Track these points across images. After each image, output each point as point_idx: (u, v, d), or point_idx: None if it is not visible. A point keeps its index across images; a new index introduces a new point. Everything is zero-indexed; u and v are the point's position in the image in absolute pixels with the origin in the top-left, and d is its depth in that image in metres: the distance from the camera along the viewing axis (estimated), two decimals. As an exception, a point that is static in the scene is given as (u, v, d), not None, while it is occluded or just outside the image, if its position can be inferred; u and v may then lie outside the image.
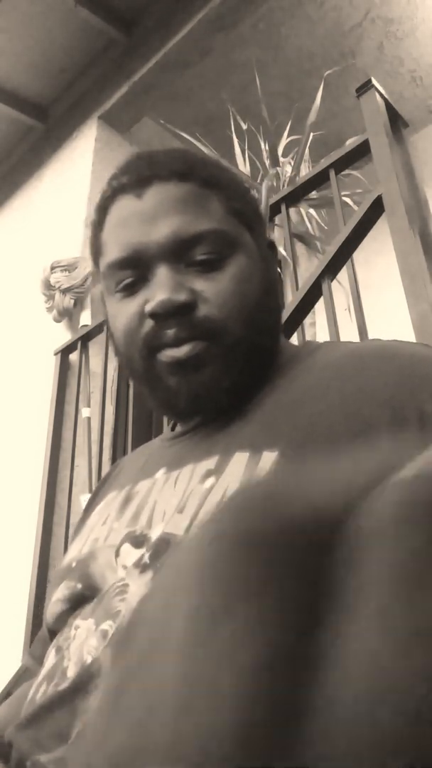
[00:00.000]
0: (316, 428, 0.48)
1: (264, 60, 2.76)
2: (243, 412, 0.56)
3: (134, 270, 0.56)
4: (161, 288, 0.54)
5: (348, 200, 1.97)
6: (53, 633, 0.55)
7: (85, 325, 2.14)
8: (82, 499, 1.82)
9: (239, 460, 0.49)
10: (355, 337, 1.15)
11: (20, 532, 1.90)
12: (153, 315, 0.54)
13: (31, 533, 1.83)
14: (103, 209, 0.60)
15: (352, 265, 1.29)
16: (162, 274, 0.54)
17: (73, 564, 0.56)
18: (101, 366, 1.98)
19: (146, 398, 0.62)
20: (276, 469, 0.46)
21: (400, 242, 1.15)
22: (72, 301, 2.19)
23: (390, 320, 1.72)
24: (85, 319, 2.18)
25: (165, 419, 1.61)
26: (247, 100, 2.62)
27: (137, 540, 0.51)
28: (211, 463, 0.52)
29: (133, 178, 0.57)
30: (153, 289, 0.55)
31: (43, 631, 0.66)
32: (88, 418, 1.95)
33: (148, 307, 0.54)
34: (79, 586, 0.53)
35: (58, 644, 0.50)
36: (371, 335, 1.17)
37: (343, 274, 1.34)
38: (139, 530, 0.52)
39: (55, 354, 2.13)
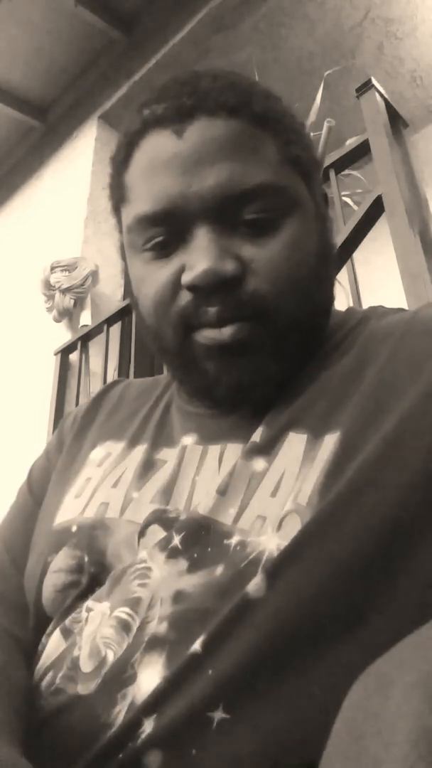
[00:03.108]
0: (375, 405, 0.43)
1: (264, 60, 2.75)
2: (289, 386, 0.49)
3: (169, 227, 0.46)
4: (203, 255, 0.44)
5: (348, 200, 1.96)
6: (39, 604, 0.49)
7: (85, 325, 2.13)
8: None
9: (296, 442, 0.44)
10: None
11: (20, 532, 1.89)
12: (192, 288, 0.45)
13: (31, 533, 1.82)
14: (129, 144, 0.50)
15: (352, 265, 1.29)
16: (204, 236, 0.45)
17: (74, 528, 0.49)
18: (101, 366, 1.98)
19: (179, 381, 0.55)
20: (339, 461, 0.41)
21: (400, 242, 1.14)
22: (72, 301, 2.19)
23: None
24: (85, 319, 2.18)
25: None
26: (247, 100, 2.61)
27: (169, 523, 0.45)
28: (256, 437, 0.46)
29: (171, 109, 0.47)
30: (192, 255, 0.45)
31: (10, 577, 0.55)
32: (88, 418, 1.94)
33: (187, 278, 0.45)
34: (86, 558, 0.46)
35: (65, 626, 0.45)
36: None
37: (343, 274, 1.34)
38: (174, 513, 0.45)
39: (55, 354, 2.13)
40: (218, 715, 0.35)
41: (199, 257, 0.45)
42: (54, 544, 0.49)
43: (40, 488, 0.61)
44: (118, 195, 0.52)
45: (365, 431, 0.42)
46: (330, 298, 0.54)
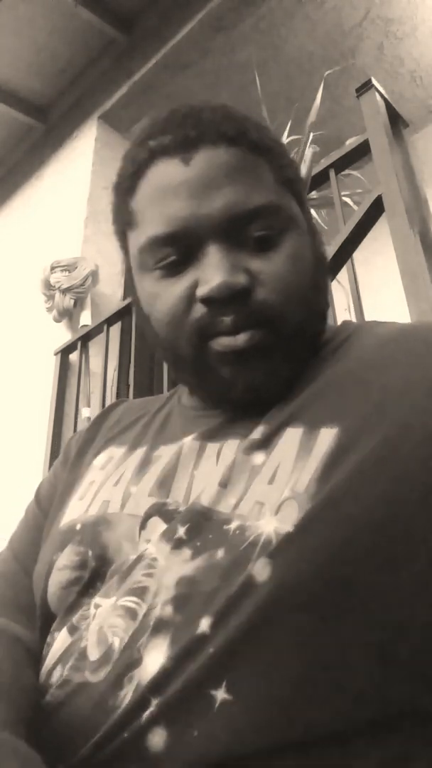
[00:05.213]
0: (374, 408, 0.45)
1: (264, 60, 2.75)
2: (289, 387, 0.52)
3: (181, 246, 0.51)
4: (217, 269, 0.48)
5: (348, 200, 1.96)
6: (45, 602, 0.51)
7: (85, 325, 2.14)
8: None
9: (292, 435, 0.47)
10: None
11: (20, 532, 1.89)
12: (208, 300, 0.49)
13: (31, 533, 1.82)
14: (136, 173, 0.54)
15: (352, 265, 1.29)
16: (216, 253, 0.49)
17: (78, 526, 0.52)
18: (101, 366, 1.99)
19: (192, 387, 0.58)
20: (338, 452, 0.43)
21: (400, 242, 1.15)
22: (72, 301, 2.19)
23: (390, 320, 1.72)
24: (85, 319, 2.18)
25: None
26: (247, 100, 2.61)
27: (169, 515, 0.47)
28: (256, 434, 0.49)
29: (177, 140, 0.51)
30: (206, 270, 0.49)
31: (18, 582, 0.58)
32: (88, 418, 1.94)
33: (203, 292, 0.49)
34: (90, 553, 0.49)
35: (72, 623, 0.46)
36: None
37: (343, 274, 1.34)
38: (174, 505, 0.48)
39: (55, 354, 2.13)
40: (220, 694, 0.36)
41: (214, 272, 0.49)
42: (60, 543, 0.52)
43: (48, 502, 0.64)
44: (125, 220, 0.56)
45: (364, 430, 0.43)
46: (326, 303, 0.59)
